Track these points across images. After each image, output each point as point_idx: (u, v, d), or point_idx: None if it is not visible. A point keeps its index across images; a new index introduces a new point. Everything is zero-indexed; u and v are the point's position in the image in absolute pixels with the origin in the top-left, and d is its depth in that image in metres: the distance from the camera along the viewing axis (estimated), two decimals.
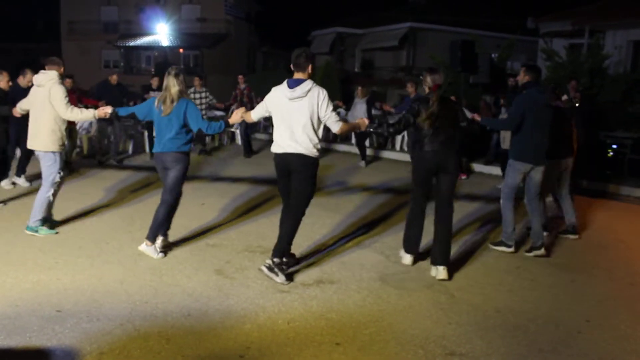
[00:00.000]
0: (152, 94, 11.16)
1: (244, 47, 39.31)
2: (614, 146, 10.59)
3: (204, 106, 11.57)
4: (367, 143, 13.46)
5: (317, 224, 6.65)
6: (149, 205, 7.37)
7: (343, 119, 6.30)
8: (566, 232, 6.59)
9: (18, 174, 8.16)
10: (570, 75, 10.98)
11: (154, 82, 11.77)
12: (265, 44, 43.45)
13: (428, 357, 3.66)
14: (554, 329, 4.15)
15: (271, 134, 5.24)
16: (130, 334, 3.81)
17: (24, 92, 7.20)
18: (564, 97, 8.00)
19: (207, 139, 12.77)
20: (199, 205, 7.52)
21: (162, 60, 32.46)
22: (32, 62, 7.81)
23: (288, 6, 46.17)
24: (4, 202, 7.11)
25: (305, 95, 4.79)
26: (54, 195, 5.95)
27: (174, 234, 6.11)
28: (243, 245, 5.79)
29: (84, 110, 5.95)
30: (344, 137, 14.76)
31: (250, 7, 40.60)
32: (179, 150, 5.31)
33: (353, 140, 12.55)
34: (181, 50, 36.80)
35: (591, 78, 12.36)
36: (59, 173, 5.92)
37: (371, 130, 5.45)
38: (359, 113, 11.49)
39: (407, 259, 5.42)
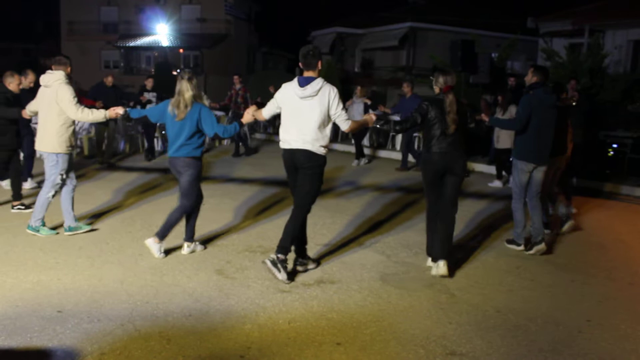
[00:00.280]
0: (146, 95, 11.13)
1: (244, 48, 39.33)
2: (614, 145, 10.60)
3: None
4: (367, 142, 13.50)
5: (318, 224, 6.65)
6: (149, 205, 7.39)
7: None
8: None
9: (24, 178, 8.02)
10: (570, 75, 10.99)
11: (149, 83, 11.71)
12: (265, 44, 43.46)
13: (429, 356, 3.66)
14: (554, 328, 4.16)
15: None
16: (131, 334, 3.81)
17: (26, 93, 7.19)
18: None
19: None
20: (201, 206, 7.52)
21: (162, 61, 32.51)
22: (32, 62, 7.69)
23: (288, 6, 46.14)
24: (27, 206, 7.00)
25: (316, 95, 4.80)
26: (54, 196, 5.95)
27: (174, 234, 6.11)
28: (244, 246, 5.80)
29: (94, 110, 5.88)
30: (343, 137, 14.80)
31: (250, 8, 40.61)
32: (189, 155, 5.29)
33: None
34: (181, 50, 36.82)
35: (591, 77, 12.38)
36: (60, 175, 5.88)
37: (378, 126, 5.44)
38: (357, 112, 11.51)
39: (430, 262, 5.34)
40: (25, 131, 7.92)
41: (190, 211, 5.48)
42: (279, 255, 4.83)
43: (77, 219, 6.13)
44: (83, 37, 36.87)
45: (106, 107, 6.71)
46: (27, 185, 8.05)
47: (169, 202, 7.65)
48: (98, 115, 5.84)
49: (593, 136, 10.66)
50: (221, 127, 5.31)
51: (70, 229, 5.98)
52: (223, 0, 35.98)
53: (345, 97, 18.15)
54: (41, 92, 5.95)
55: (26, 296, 4.37)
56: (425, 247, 5.48)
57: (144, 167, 10.57)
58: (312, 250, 5.74)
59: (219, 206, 7.48)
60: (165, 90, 12.28)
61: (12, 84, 6.91)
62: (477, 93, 13.55)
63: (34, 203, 6.92)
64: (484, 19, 26.95)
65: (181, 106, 5.19)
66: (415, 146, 11.83)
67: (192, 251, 5.53)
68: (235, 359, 3.57)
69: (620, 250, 6.24)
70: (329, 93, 4.82)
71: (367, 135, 13.52)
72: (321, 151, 4.87)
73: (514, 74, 14.40)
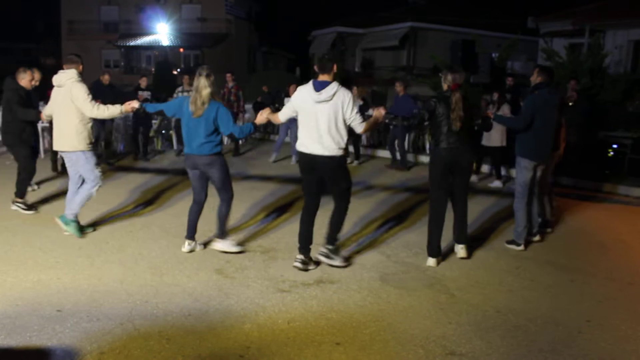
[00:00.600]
0: (141, 94, 11.10)
1: (244, 47, 39.34)
2: (614, 146, 10.60)
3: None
4: (365, 142, 13.49)
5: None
6: (150, 205, 7.39)
7: None
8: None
9: None
10: (570, 75, 10.99)
11: (143, 82, 11.66)
12: (265, 44, 43.49)
13: (428, 356, 3.66)
14: (554, 329, 4.15)
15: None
16: (130, 334, 3.81)
17: (33, 91, 7.09)
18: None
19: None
20: None
21: (163, 60, 32.51)
22: (33, 61, 7.62)
23: (288, 6, 46.15)
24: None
25: (331, 99, 4.88)
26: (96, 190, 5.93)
27: (174, 234, 6.11)
28: (243, 245, 5.79)
29: (109, 106, 5.83)
30: None
31: (250, 7, 40.62)
32: (211, 152, 5.28)
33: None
34: (182, 50, 36.84)
35: (591, 78, 12.36)
36: (97, 166, 5.88)
37: (387, 121, 5.52)
38: None
39: (430, 261, 5.41)
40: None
41: (229, 204, 5.52)
42: (328, 247, 5.18)
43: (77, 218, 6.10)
44: (83, 37, 36.86)
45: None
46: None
47: (169, 201, 7.65)
48: (114, 111, 5.80)
49: (593, 136, 10.67)
50: (237, 128, 5.31)
51: (63, 219, 5.88)
52: (223, 0, 35.99)
53: None
54: (55, 92, 5.87)
55: (26, 295, 4.37)
56: (426, 246, 5.48)
57: (144, 168, 10.57)
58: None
59: (214, 205, 7.47)
60: (166, 89, 12.28)
61: (24, 79, 6.76)
62: (477, 93, 13.53)
63: (33, 205, 6.95)
64: (484, 19, 26.96)
65: (198, 103, 5.16)
66: (406, 147, 11.82)
67: (192, 250, 5.53)
68: (235, 358, 3.57)
69: (620, 250, 6.23)
70: (343, 97, 4.92)
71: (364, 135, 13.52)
72: (340, 153, 4.99)
73: (512, 74, 14.40)
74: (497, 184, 9.57)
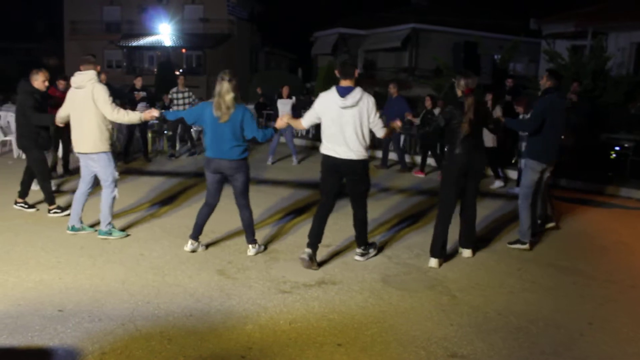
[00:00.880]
0: (137, 94, 11.09)
1: (247, 48, 39.34)
2: (617, 148, 10.58)
3: (186, 106, 11.50)
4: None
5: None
6: (151, 205, 7.39)
7: None
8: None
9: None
10: (572, 77, 10.98)
11: (138, 82, 11.65)
12: (267, 44, 43.48)
13: (430, 358, 3.66)
14: (556, 331, 4.15)
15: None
16: (132, 334, 3.81)
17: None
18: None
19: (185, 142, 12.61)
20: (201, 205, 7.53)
21: (165, 61, 32.52)
22: (34, 62, 7.59)
23: (290, 6, 46.13)
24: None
25: (357, 104, 4.99)
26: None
27: (176, 235, 6.12)
28: (245, 246, 5.79)
29: (130, 112, 5.81)
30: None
31: (252, 8, 40.62)
32: (240, 157, 5.28)
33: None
34: (184, 50, 36.84)
35: (594, 80, 12.35)
36: (116, 169, 5.87)
37: (401, 132, 5.60)
38: None
39: (432, 262, 5.43)
40: None
41: (250, 209, 5.55)
42: (362, 247, 5.48)
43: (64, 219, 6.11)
44: (86, 37, 36.88)
45: None
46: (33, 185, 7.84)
47: (170, 201, 7.66)
48: (133, 117, 5.79)
49: (594, 139, 10.67)
50: (260, 132, 5.32)
51: (102, 233, 5.88)
52: (226, 0, 36.00)
53: None
54: (72, 94, 5.81)
55: (28, 295, 4.37)
56: (430, 247, 5.49)
57: (145, 170, 10.58)
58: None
59: (219, 206, 7.47)
60: (168, 90, 12.27)
61: (38, 81, 6.62)
62: (479, 95, 13.55)
63: (40, 202, 6.97)
64: (486, 20, 26.95)
65: (223, 108, 5.13)
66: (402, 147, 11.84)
67: (194, 250, 5.54)
68: (236, 359, 3.57)
69: (622, 253, 6.23)
70: (367, 103, 5.04)
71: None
72: (364, 156, 5.14)
73: (511, 75, 14.40)
74: (498, 183, 9.57)
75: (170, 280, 4.83)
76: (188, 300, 4.42)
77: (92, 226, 6.18)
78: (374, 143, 13.68)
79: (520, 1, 33.34)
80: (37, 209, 6.93)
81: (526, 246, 6.03)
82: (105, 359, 3.48)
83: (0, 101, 15.92)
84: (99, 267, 5.06)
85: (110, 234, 5.86)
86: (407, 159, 11.66)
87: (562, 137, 6.75)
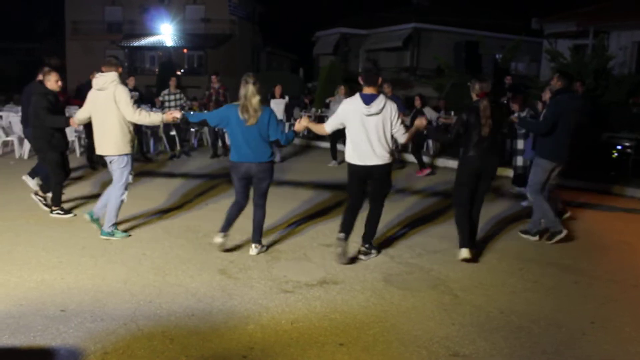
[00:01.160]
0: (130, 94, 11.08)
1: (248, 48, 39.36)
2: (619, 147, 10.57)
3: (178, 108, 11.50)
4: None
5: (320, 224, 6.66)
6: (151, 205, 7.39)
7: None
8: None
9: (32, 175, 7.68)
10: (575, 77, 10.95)
11: (130, 82, 11.61)
12: (269, 44, 43.50)
13: (431, 357, 3.66)
14: (558, 330, 4.14)
15: None
16: (134, 334, 3.81)
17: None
18: None
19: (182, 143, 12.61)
20: (202, 205, 7.55)
21: (166, 61, 32.54)
22: (36, 62, 7.55)
23: (292, 6, 46.16)
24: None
25: (381, 112, 5.11)
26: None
27: (177, 235, 6.12)
28: (247, 245, 5.79)
29: (151, 113, 5.80)
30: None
31: (254, 8, 40.65)
32: (269, 160, 5.31)
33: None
34: (185, 50, 36.88)
35: (596, 79, 12.34)
36: (131, 174, 5.87)
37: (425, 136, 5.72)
38: None
39: (463, 253, 5.51)
40: None
41: (265, 210, 5.59)
42: (366, 245, 5.55)
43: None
44: (87, 37, 36.94)
45: None
46: (30, 182, 7.74)
47: (171, 202, 7.67)
48: (155, 118, 5.78)
49: (596, 138, 10.65)
50: (284, 135, 5.33)
51: (104, 233, 5.86)
52: (227, 1, 36.02)
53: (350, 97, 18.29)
54: (93, 95, 5.79)
55: (30, 295, 4.38)
56: (458, 241, 5.56)
57: (144, 170, 10.59)
58: (315, 250, 5.75)
59: (221, 206, 7.48)
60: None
61: (51, 81, 6.58)
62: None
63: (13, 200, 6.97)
64: (487, 20, 26.93)
65: (250, 111, 5.13)
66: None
67: (223, 244, 5.49)
68: (238, 358, 3.57)
69: (624, 252, 6.22)
70: (390, 110, 5.17)
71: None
72: (389, 160, 5.27)
73: (510, 73, 14.40)
74: None
75: (172, 280, 4.83)
76: (190, 300, 4.42)
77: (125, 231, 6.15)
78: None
79: (522, 1, 33.35)
80: (74, 214, 6.83)
81: (563, 233, 6.18)
82: (108, 359, 3.49)
83: (1, 101, 15.95)
84: (101, 267, 5.06)
85: (112, 235, 5.86)
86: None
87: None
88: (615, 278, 5.33)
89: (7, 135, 11.78)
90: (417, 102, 11.03)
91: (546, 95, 7.65)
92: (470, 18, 27.07)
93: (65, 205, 6.91)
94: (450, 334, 3.99)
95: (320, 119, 14.80)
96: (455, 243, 5.81)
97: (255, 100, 5.11)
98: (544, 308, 4.55)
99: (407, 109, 11.33)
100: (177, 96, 11.73)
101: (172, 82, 11.94)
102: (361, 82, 5.20)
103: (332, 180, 9.69)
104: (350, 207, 5.47)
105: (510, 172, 9.36)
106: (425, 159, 11.16)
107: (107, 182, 7.90)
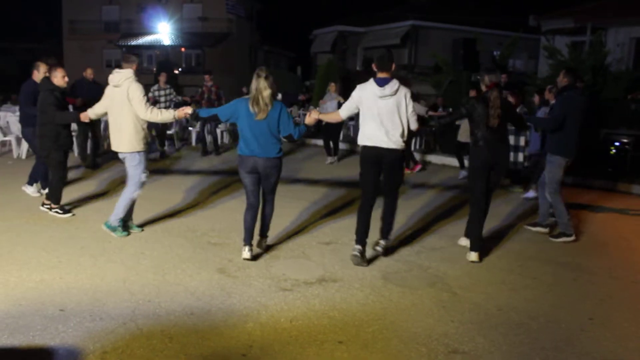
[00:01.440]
0: None
1: (246, 46, 39.34)
2: (616, 144, 10.58)
3: (167, 104, 11.50)
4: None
5: (319, 222, 6.66)
6: (151, 205, 7.38)
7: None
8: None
9: (30, 182, 7.62)
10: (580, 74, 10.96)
11: (162, 78, 11.69)
12: (266, 43, 43.48)
13: (430, 355, 3.66)
14: (557, 327, 4.15)
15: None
16: (133, 333, 3.81)
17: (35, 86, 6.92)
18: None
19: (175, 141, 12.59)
20: (203, 204, 7.54)
21: (164, 60, 32.53)
22: (35, 61, 7.50)
23: (289, 5, 46.13)
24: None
25: (395, 94, 5.13)
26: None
27: (176, 234, 6.12)
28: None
29: (163, 111, 5.79)
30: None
31: (251, 6, 40.61)
32: (278, 155, 5.26)
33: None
34: (183, 49, 36.85)
35: (593, 76, 12.34)
36: (145, 172, 5.85)
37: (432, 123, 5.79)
38: (330, 108, 11.55)
39: (472, 256, 5.52)
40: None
41: (274, 204, 5.57)
42: (385, 240, 5.51)
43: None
44: (85, 36, 36.91)
45: (89, 104, 6.47)
46: (29, 190, 7.64)
47: (170, 201, 7.66)
48: (167, 116, 5.76)
49: (594, 134, 10.66)
50: (296, 130, 5.30)
51: (108, 225, 5.86)
52: None
53: (346, 95, 18.29)
54: (110, 92, 5.76)
55: (29, 295, 4.37)
56: (470, 243, 5.59)
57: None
58: (314, 249, 5.75)
59: (219, 205, 7.48)
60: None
61: (57, 77, 6.45)
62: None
63: (69, 209, 6.94)
64: (485, 17, 26.95)
65: (261, 105, 5.08)
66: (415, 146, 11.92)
67: (255, 255, 5.40)
68: (237, 357, 3.57)
69: (623, 249, 6.23)
70: (404, 94, 5.19)
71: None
72: (402, 146, 5.25)
73: (507, 70, 14.40)
74: (463, 174, 9.84)
75: (170, 279, 4.83)
76: (189, 298, 4.42)
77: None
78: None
79: None
80: (74, 214, 6.81)
81: (572, 237, 6.23)
82: (107, 358, 3.48)
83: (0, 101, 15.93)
84: (100, 267, 5.06)
85: (114, 230, 5.86)
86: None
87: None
88: (615, 275, 5.34)
89: (4, 135, 11.76)
90: None
91: (548, 95, 7.70)
92: (468, 15, 27.09)
93: (65, 206, 6.90)
94: (449, 331, 4.00)
95: None
96: (454, 240, 5.83)
97: (267, 93, 5.07)
98: (543, 305, 4.56)
99: None
100: (167, 91, 11.71)
101: (162, 77, 11.93)
102: (375, 68, 5.24)
103: (330, 178, 9.69)
104: (363, 207, 5.37)
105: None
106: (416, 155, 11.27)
107: (107, 182, 7.89)
